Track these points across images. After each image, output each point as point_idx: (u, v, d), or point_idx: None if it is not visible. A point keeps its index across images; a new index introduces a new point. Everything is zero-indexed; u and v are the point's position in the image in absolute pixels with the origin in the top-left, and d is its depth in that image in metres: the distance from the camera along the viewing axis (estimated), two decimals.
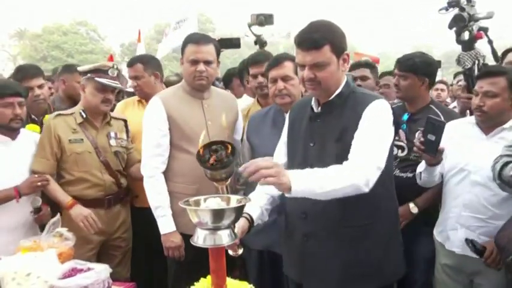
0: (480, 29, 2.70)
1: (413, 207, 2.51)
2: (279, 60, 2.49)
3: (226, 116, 2.43)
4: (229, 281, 1.52)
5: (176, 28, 6.14)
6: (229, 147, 1.61)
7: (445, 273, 2.39)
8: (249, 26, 4.10)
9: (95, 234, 2.67)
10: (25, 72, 3.07)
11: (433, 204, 2.58)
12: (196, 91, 2.52)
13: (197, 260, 2.22)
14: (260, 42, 4.16)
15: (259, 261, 2.55)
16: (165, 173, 2.46)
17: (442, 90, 5.44)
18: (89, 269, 2.14)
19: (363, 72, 3.52)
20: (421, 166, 2.33)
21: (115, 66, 2.71)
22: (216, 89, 2.72)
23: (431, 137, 2.13)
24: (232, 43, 4.39)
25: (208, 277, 1.51)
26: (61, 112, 2.74)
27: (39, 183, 2.46)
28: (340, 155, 1.76)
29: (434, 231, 2.46)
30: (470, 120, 2.39)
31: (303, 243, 1.91)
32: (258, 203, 1.92)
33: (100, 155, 2.69)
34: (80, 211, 2.54)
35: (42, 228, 2.52)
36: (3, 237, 2.49)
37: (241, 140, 2.74)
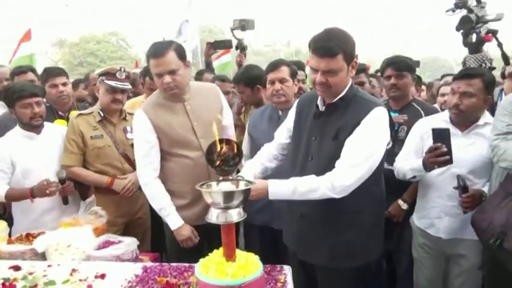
0: (489, 31, 2.42)
1: (402, 204, 2.45)
2: (276, 65, 2.47)
3: (209, 111, 2.22)
4: (238, 251, 1.52)
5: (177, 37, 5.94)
6: (235, 147, 1.57)
7: (424, 252, 2.34)
8: (232, 30, 3.92)
9: (119, 217, 2.66)
10: (50, 73, 3.03)
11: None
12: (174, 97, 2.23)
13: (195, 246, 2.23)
14: (241, 46, 3.94)
15: (260, 235, 2.55)
16: (163, 174, 2.26)
17: (422, 90, 5.47)
18: (119, 242, 2.16)
19: (361, 78, 3.31)
20: (413, 171, 2.17)
21: (122, 69, 2.63)
22: (195, 85, 2.36)
23: (442, 146, 1.99)
24: (225, 45, 4.23)
25: (220, 249, 1.51)
26: (82, 112, 2.69)
27: (47, 191, 2.36)
28: (335, 151, 1.73)
29: (414, 216, 2.39)
30: (444, 117, 2.26)
31: (299, 221, 1.90)
32: (252, 170, 1.93)
33: (119, 147, 2.64)
34: (120, 184, 2.52)
35: (65, 201, 2.51)
36: (49, 216, 2.52)
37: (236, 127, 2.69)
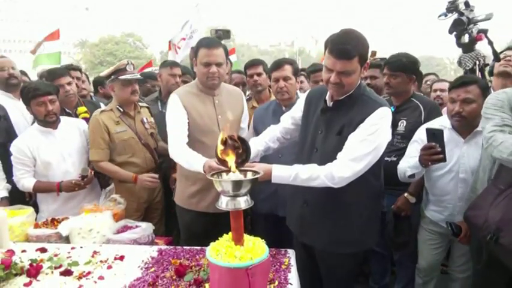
0: (480, 31, 2.38)
1: (411, 198, 2.37)
2: (280, 64, 2.44)
3: (234, 110, 2.32)
4: (246, 236, 1.52)
5: (190, 37, 5.86)
6: (244, 145, 1.56)
7: (429, 236, 2.35)
8: None
9: (143, 202, 2.70)
10: (54, 74, 2.95)
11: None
12: (208, 89, 2.28)
13: (204, 232, 2.20)
14: None
15: (265, 221, 2.54)
16: None
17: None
18: (137, 226, 2.17)
19: (373, 73, 3.12)
20: (411, 168, 2.14)
21: (129, 62, 2.62)
22: (225, 86, 2.44)
23: (436, 146, 1.97)
24: None
25: (230, 233, 1.51)
26: (103, 109, 2.66)
27: (76, 188, 2.43)
28: (338, 145, 1.71)
29: (425, 208, 2.36)
30: (443, 123, 2.18)
31: (302, 207, 1.89)
32: (256, 147, 1.93)
33: (141, 138, 2.64)
34: (142, 179, 2.51)
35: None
36: (72, 203, 2.54)
37: (248, 126, 2.65)
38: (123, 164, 2.60)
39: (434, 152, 1.97)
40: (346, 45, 1.60)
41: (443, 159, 1.98)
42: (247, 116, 2.52)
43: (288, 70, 2.41)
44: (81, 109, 3.01)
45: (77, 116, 2.97)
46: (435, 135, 1.99)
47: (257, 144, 1.96)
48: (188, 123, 2.22)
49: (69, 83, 2.93)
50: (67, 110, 2.96)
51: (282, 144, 2.07)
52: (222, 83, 2.38)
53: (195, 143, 2.20)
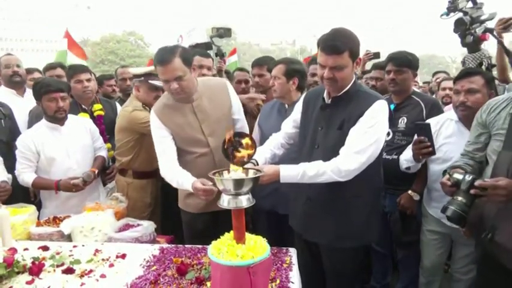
0: (486, 30, 2.34)
1: (415, 195, 2.34)
2: (277, 63, 2.47)
3: (218, 108, 2.17)
4: (247, 234, 1.52)
5: (188, 36, 5.95)
6: (250, 141, 1.58)
7: (432, 237, 2.33)
8: (211, 37, 3.77)
9: (152, 198, 2.76)
10: (75, 69, 3.04)
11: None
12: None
13: (205, 229, 2.22)
14: (220, 52, 3.86)
15: (266, 219, 2.54)
16: None
17: (415, 84, 5.40)
18: (138, 225, 2.18)
19: (377, 74, 3.12)
20: (407, 161, 2.20)
21: None
22: (204, 83, 2.22)
23: (425, 139, 2.00)
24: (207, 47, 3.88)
25: (231, 232, 1.51)
26: (135, 108, 2.61)
27: (73, 190, 2.44)
28: (339, 140, 1.75)
29: (427, 205, 2.34)
30: (450, 116, 2.17)
31: (306, 204, 1.91)
32: (263, 155, 1.96)
33: None
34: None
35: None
36: (74, 201, 2.55)
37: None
38: (144, 159, 2.68)
39: (423, 146, 2.04)
40: (336, 42, 1.68)
41: (433, 153, 2.03)
42: (239, 106, 2.34)
43: (276, 70, 2.40)
44: (97, 106, 3.05)
45: (92, 112, 3.00)
46: (423, 129, 2.05)
47: (264, 153, 1.99)
48: (172, 138, 2.16)
49: (88, 80, 2.99)
50: (83, 106, 3.00)
51: (286, 150, 2.09)
52: (201, 79, 2.26)
53: (185, 154, 2.19)
